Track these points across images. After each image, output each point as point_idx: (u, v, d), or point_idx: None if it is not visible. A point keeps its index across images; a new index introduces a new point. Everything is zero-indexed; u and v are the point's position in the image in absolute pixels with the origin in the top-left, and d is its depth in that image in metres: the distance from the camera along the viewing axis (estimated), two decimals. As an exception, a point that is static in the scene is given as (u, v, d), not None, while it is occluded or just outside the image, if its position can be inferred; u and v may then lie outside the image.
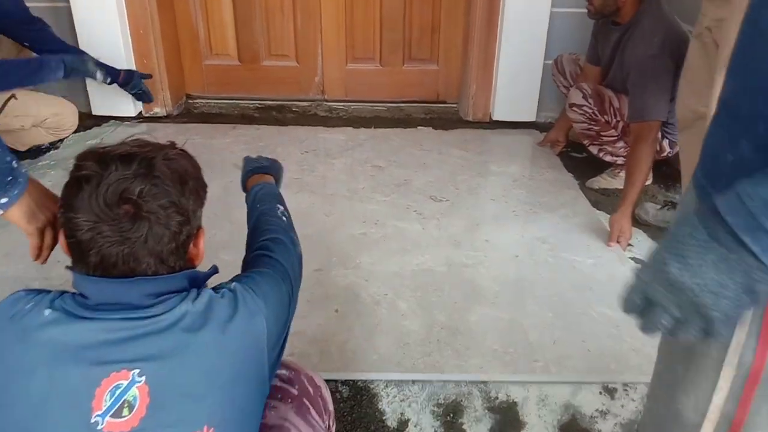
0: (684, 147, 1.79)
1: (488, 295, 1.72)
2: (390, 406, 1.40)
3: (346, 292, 1.72)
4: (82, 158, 0.78)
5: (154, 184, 0.77)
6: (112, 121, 2.99)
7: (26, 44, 2.43)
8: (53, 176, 2.43)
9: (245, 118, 3.12)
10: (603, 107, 2.26)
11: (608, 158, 2.39)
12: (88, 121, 2.96)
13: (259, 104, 3.28)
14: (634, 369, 1.48)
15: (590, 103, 2.25)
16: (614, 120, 2.27)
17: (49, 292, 0.79)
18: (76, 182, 0.76)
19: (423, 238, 2.01)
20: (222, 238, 1.97)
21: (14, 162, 0.92)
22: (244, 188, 1.22)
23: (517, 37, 2.81)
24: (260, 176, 1.22)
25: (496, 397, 1.42)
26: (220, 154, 2.60)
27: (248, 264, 0.96)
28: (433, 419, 1.37)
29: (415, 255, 1.91)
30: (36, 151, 2.66)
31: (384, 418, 1.37)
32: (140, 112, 3.03)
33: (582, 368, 1.48)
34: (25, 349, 0.73)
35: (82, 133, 2.88)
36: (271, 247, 0.96)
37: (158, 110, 3.05)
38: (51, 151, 2.68)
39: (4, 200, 0.91)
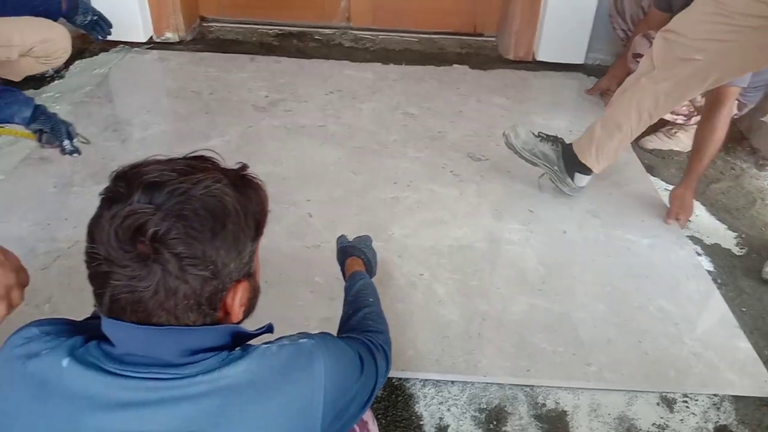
0: None
1: (534, 281, 1.56)
2: (427, 409, 1.28)
3: (380, 270, 1.56)
4: (118, 175, 0.65)
5: (175, 225, 0.61)
6: (121, 46, 2.74)
7: None
8: (59, 111, 2.23)
9: (264, 46, 2.86)
10: (671, 61, 1.99)
11: (668, 116, 2.15)
12: (93, 46, 2.72)
13: (279, 30, 3.00)
14: (695, 378, 1.34)
15: (657, 56, 1.99)
16: (681, 76, 2.01)
17: (67, 333, 0.68)
18: (100, 203, 0.64)
19: (461, 205, 1.83)
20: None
21: None
22: (342, 264, 1.34)
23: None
24: (356, 260, 1.30)
25: (544, 404, 1.30)
26: (237, 92, 2.38)
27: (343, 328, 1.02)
28: (475, 426, 1.26)
29: (453, 227, 1.74)
30: (39, 80, 2.45)
31: (421, 423, 1.26)
32: (151, 37, 2.78)
33: (638, 374, 1.34)
34: (42, 409, 0.62)
35: (88, 59, 2.65)
36: (372, 337, 0.93)
37: (170, 35, 2.79)
38: (55, 81, 2.47)
39: None
